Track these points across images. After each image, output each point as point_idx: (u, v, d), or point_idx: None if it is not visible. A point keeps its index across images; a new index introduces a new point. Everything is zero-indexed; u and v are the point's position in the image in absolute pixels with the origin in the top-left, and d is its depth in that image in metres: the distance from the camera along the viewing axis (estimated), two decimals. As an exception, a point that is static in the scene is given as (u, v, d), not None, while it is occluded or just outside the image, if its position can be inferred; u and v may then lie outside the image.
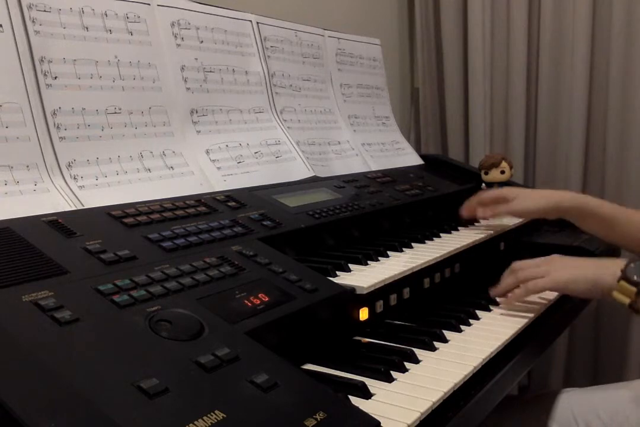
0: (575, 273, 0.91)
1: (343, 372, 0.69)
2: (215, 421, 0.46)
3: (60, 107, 0.87)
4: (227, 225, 0.86)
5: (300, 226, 0.95)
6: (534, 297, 0.98)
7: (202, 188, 1.01)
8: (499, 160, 1.42)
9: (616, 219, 1.10)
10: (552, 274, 0.92)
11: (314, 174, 1.23)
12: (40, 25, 0.87)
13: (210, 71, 1.12)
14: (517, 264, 0.99)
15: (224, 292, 0.67)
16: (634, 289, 0.82)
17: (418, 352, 0.75)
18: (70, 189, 0.85)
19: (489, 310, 0.95)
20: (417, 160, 1.62)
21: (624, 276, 0.84)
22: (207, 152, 1.07)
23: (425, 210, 1.29)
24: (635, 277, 0.83)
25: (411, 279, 0.92)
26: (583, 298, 1.03)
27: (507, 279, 0.97)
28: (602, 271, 0.89)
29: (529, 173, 1.96)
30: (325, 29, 1.46)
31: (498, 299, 0.95)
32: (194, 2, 1.13)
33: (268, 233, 0.88)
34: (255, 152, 1.16)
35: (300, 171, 1.22)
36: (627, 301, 0.83)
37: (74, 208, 0.82)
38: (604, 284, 0.87)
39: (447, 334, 0.82)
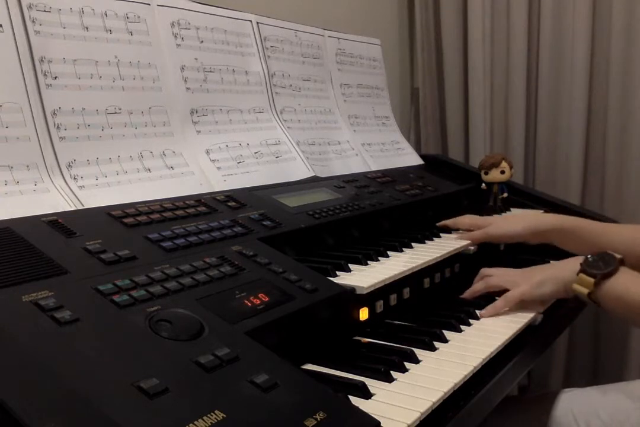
0: (543, 275, 0.96)
1: (343, 372, 0.69)
2: (215, 421, 0.46)
3: (60, 107, 0.87)
4: (227, 225, 0.86)
5: (300, 225, 0.95)
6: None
7: (202, 188, 1.01)
8: (499, 160, 1.42)
9: (596, 236, 1.09)
10: (524, 281, 0.96)
11: (314, 174, 1.23)
12: (40, 25, 0.87)
13: (210, 71, 1.12)
14: (486, 271, 1.03)
15: (223, 292, 0.67)
16: (592, 280, 0.88)
17: (418, 352, 0.75)
18: (70, 189, 0.85)
19: (489, 310, 0.95)
20: (417, 160, 1.62)
21: (583, 269, 0.90)
22: (207, 152, 1.07)
23: (425, 210, 1.29)
24: (592, 269, 0.89)
25: (411, 279, 0.92)
26: (565, 299, 1.03)
27: (477, 285, 1.01)
28: (564, 268, 0.95)
29: (529, 173, 1.96)
30: (325, 29, 1.46)
31: (479, 312, 0.92)
32: (194, 2, 1.13)
33: (268, 233, 0.88)
34: (255, 152, 1.16)
35: (300, 171, 1.22)
36: (585, 291, 0.89)
37: (74, 208, 0.82)
38: (566, 280, 0.93)
39: (447, 334, 0.82)
